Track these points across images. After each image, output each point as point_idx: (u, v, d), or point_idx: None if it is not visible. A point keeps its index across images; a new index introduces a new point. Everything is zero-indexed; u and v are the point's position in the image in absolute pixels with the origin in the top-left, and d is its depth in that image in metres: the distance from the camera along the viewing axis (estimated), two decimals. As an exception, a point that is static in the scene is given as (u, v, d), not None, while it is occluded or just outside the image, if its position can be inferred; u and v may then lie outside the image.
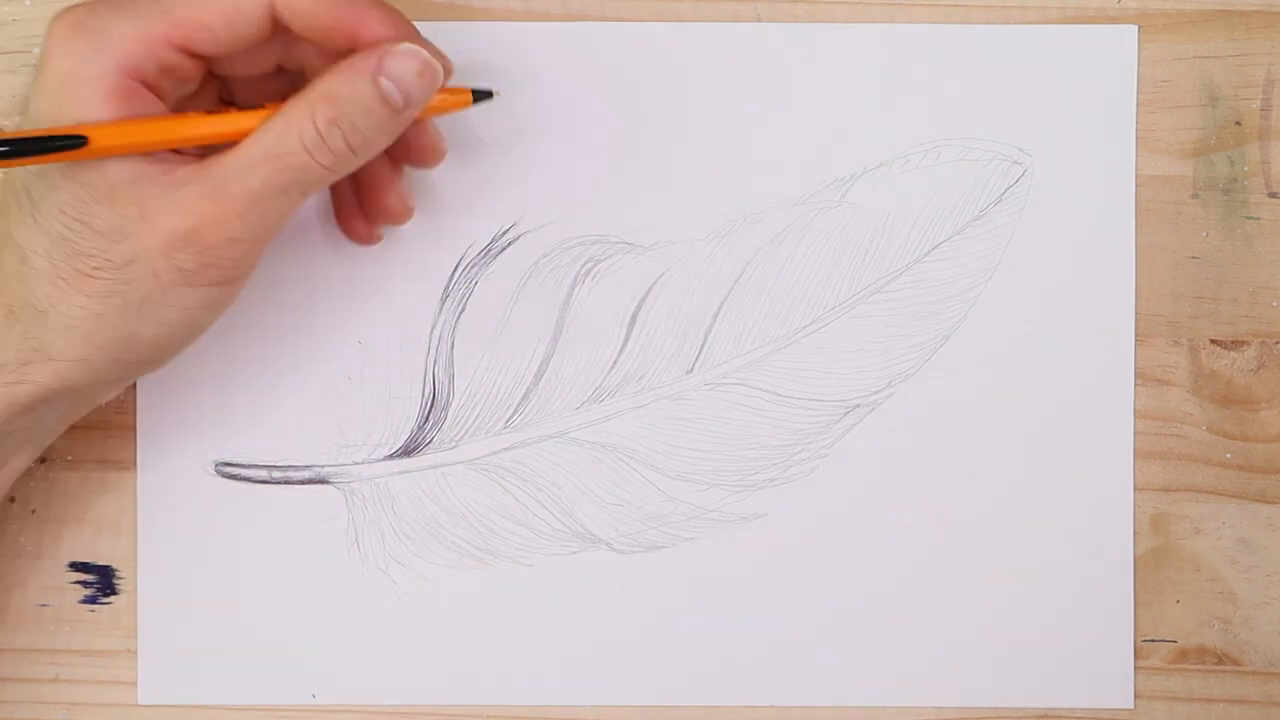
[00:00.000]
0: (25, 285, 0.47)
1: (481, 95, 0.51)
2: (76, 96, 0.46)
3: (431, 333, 0.55)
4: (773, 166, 0.55)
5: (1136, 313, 0.56)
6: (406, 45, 0.47)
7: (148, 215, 0.46)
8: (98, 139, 0.45)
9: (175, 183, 0.46)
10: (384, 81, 0.46)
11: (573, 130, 0.55)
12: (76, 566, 0.56)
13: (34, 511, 0.55)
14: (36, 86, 0.47)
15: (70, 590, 0.56)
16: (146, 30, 0.46)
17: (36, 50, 0.55)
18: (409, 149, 0.51)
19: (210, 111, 0.48)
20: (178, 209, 0.46)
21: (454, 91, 0.50)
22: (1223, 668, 0.56)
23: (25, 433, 0.50)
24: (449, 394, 0.55)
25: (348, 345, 0.55)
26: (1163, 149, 0.56)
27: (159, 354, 0.49)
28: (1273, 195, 0.56)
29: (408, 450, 0.55)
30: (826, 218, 0.56)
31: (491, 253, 0.55)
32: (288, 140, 0.46)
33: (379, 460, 0.55)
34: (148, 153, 0.46)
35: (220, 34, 0.47)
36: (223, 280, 0.47)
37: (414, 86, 0.47)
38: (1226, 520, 0.56)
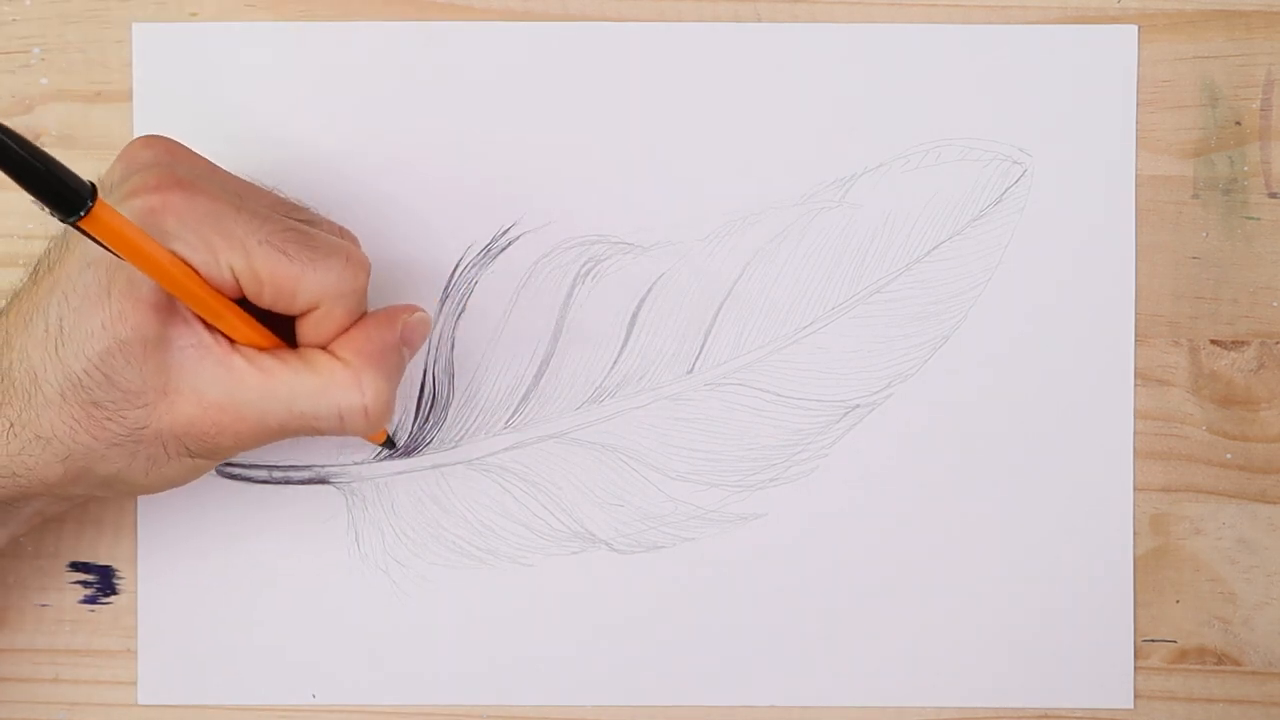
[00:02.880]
0: (32, 408, 0.46)
1: (389, 443, 0.55)
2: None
3: (432, 332, 0.55)
4: (773, 166, 0.55)
5: (1136, 313, 0.56)
6: (421, 314, 0.50)
7: (169, 393, 0.46)
8: (103, 213, 0.41)
9: (201, 376, 0.46)
10: (404, 351, 0.49)
11: (573, 130, 0.55)
12: (76, 566, 0.56)
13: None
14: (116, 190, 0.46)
15: (70, 590, 0.56)
16: (224, 249, 0.45)
17: (37, 50, 0.55)
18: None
19: (231, 303, 0.47)
20: (198, 402, 0.46)
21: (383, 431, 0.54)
22: (1223, 668, 0.56)
23: (1, 519, 0.50)
24: (449, 394, 0.55)
25: (348, 345, 0.55)
26: (1163, 149, 0.56)
27: (146, 494, 0.51)
28: (1273, 195, 0.56)
29: (408, 450, 0.55)
30: (826, 218, 0.56)
31: (491, 253, 0.55)
32: (319, 404, 0.47)
33: (379, 460, 0.55)
34: (163, 310, 0.46)
35: (265, 296, 0.47)
36: (222, 459, 0.49)
37: (418, 347, 0.50)
38: (1226, 520, 0.56)
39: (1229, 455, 0.56)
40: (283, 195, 0.50)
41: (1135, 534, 0.56)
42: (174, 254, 0.45)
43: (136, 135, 0.54)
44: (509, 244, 0.55)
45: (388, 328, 0.48)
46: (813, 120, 0.55)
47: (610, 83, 0.55)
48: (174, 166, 0.47)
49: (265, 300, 0.47)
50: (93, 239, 0.42)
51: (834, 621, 0.56)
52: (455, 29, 0.55)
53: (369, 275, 0.48)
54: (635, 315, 0.56)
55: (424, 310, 0.50)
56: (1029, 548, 0.56)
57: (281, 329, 0.48)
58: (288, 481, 0.55)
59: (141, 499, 0.55)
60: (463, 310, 0.55)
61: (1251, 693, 0.56)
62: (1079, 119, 0.56)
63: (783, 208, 0.56)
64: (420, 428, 0.55)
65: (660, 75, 0.55)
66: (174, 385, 0.46)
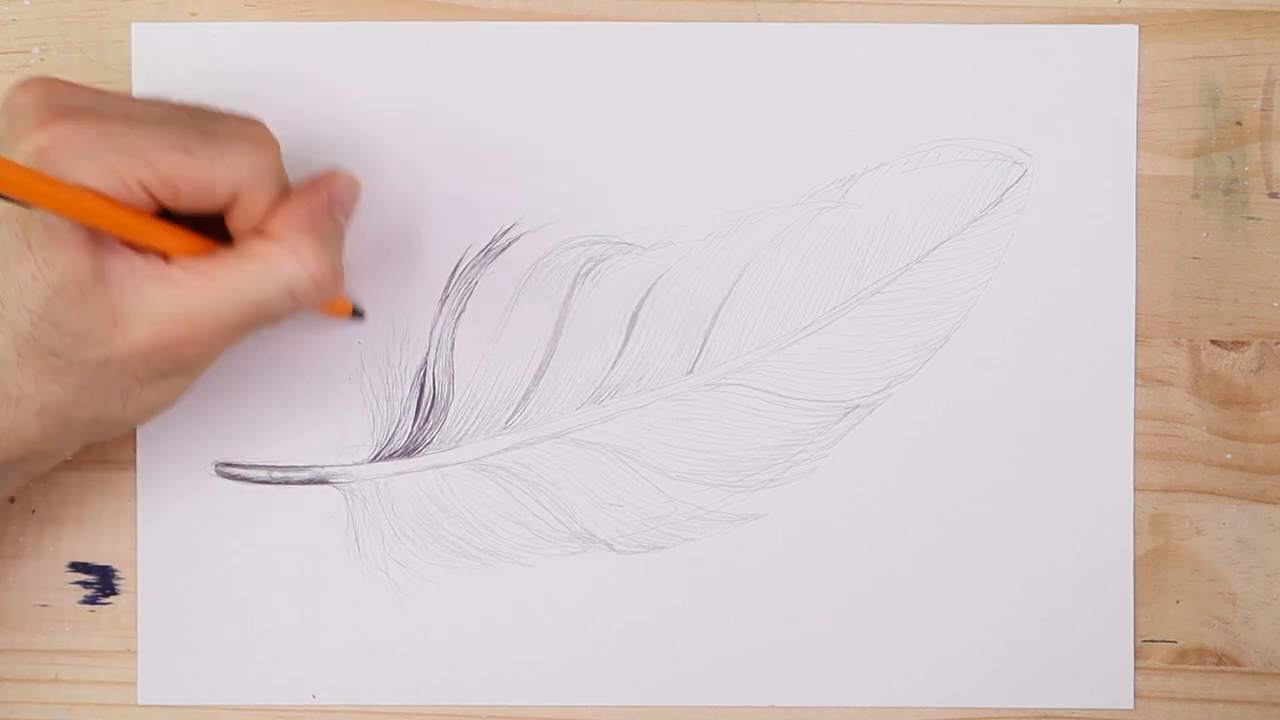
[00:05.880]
0: None
1: (357, 313, 0.55)
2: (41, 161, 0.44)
3: (431, 333, 0.55)
4: (773, 166, 0.55)
5: (1137, 313, 0.56)
6: (340, 171, 0.50)
7: (120, 322, 0.46)
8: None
9: (145, 298, 0.46)
10: (337, 213, 0.49)
11: (573, 130, 0.55)
12: (76, 566, 0.56)
13: (34, 511, 0.56)
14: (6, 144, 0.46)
15: (70, 590, 0.56)
16: (125, 165, 0.45)
17: (37, 50, 0.55)
18: None
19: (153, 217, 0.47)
20: (150, 323, 0.46)
21: (341, 301, 0.54)
22: (1223, 668, 0.56)
23: None
24: (449, 394, 0.55)
25: (348, 346, 0.55)
26: (1163, 149, 0.56)
27: (133, 426, 0.50)
28: (1273, 195, 0.56)
29: (408, 450, 0.55)
30: (826, 218, 0.56)
31: (491, 253, 0.55)
32: (265, 286, 0.47)
33: (379, 460, 0.55)
34: (98, 244, 0.45)
35: (183, 199, 0.46)
36: (198, 371, 0.49)
37: (351, 208, 0.50)
38: (1226, 520, 0.56)
39: (1229, 455, 0.56)
40: (176, 100, 0.49)
41: (1135, 534, 0.56)
42: (78, 186, 0.44)
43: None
44: (509, 244, 0.55)
45: (313, 195, 0.48)
46: (813, 120, 0.55)
47: (610, 83, 0.55)
48: (55, 101, 0.46)
49: (185, 204, 0.46)
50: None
51: (834, 621, 0.56)
52: (455, 29, 0.55)
53: (279, 152, 0.48)
54: (635, 315, 0.56)
55: (348, 171, 0.50)
56: (1029, 548, 0.56)
57: (215, 229, 0.48)
58: (288, 481, 0.55)
59: (141, 499, 0.55)
60: (463, 310, 0.55)
61: (1251, 693, 0.56)
62: (1079, 119, 0.55)
63: (783, 208, 0.56)
64: (420, 428, 0.55)
65: (660, 75, 0.55)
66: (121, 315, 0.46)
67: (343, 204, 0.49)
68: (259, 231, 0.48)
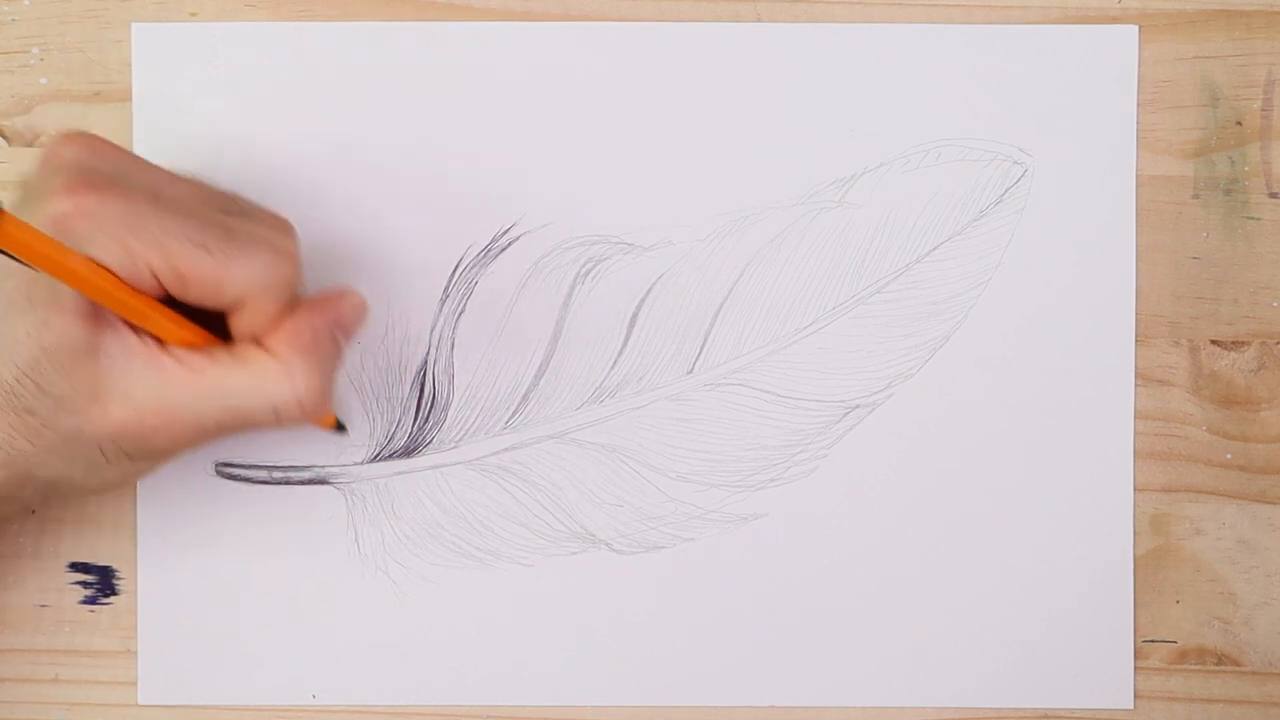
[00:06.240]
0: None
1: (340, 428, 0.55)
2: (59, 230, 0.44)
3: (431, 333, 0.55)
4: (773, 166, 0.55)
5: (1137, 313, 0.56)
6: (354, 298, 0.49)
7: (100, 399, 0.46)
8: (9, 228, 0.41)
9: (131, 380, 0.46)
10: (338, 335, 0.49)
11: (573, 130, 0.55)
12: (76, 566, 0.56)
13: (34, 511, 0.55)
14: (30, 201, 0.45)
15: (70, 590, 0.56)
16: (140, 248, 0.45)
17: (37, 50, 0.55)
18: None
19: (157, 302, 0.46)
20: (130, 406, 0.46)
21: (329, 415, 0.54)
22: (1223, 668, 0.56)
23: None
24: (449, 394, 0.55)
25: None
26: (1163, 149, 0.56)
27: (92, 495, 0.50)
28: (1273, 195, 0.56)
29: (408, 450, 0.55)
30: (826, 218, 0.56)
31: (491, 253, 0.55)
32: (252, 399, 0.46)
33: (379, 460, 0.55)
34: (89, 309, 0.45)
35: (190, 292, 0.46)
36: (165, 461, 0.49)
37: (355, 330, 0.50)
38: (1226, 520, 0.56)
39: (1229, 455, 0.56)
40: (213, 186, 0.49)
41: (1135, 534, 0.56)
42: (90, 259, 0.44)
43: (135, 135, 0.54)
44: (509, 244, 0.55)
45: (319, 315, 0.48)
46: (813, 120, 0.55)
47: (610, 83, 0.55)
48: (89, 167, 0.46)
49: (191, 297, 0.46)
50: (5, 254, 0.42)
51: (834, 621, 0.56)
52: (455, 29, 0.55)
53: (299, 266, 0.47)
54: (635, 315, 0.56)
55: (356, 292, 0.49)
56: (1029, 548, 0.56)
57: (216, 324, 0.48)
58: (288, 481, 0.55)
59: (142, 499, 0.55)
60: (463, 310, 0.55)
61: (1251, 693, 0.56)
62: (1079, 119, 0.55)
63: (783, 208, 0.56)
64: (420, 428, 0.55)
65: (660, 75, 0.55)
66: (104, 390, 0.45)
67: (346, 326, 0.49)
68: (258, 340, 0.47)
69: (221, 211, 0.47)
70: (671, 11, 0.55)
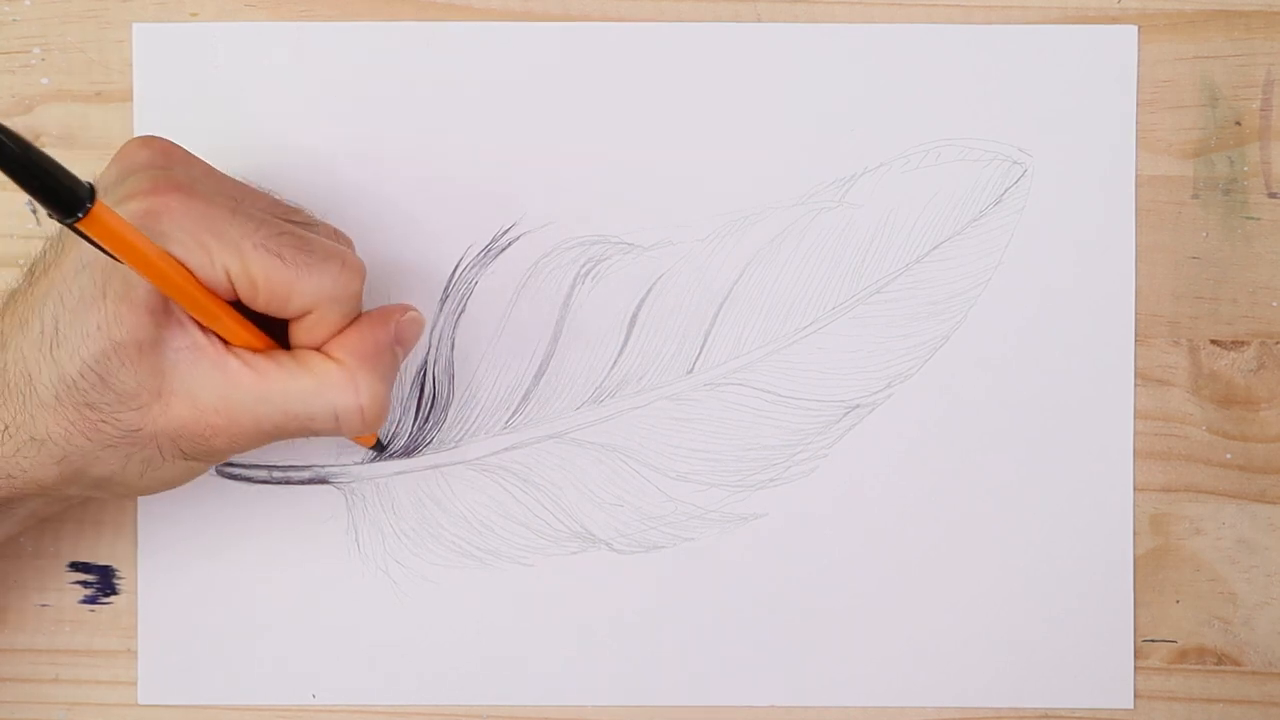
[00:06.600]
0: (27, 410, 0.46)
1: (379, 445, 0.55)
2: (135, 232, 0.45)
3: (431, 333, 0.55)
4: (772, 166, 0.55)
5: (1136, 313, 0.56)
6: (413, 313, 0.50)
7: (164, 395, 0.46)
8: (102, 214, 0.41)
9: (196, 378, 0.46)
10: (398, 350, 0.49)
11: (573, 130, 0.55)
12: (76, 566, 0.56)
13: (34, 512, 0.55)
14: (113, 186, 0.46)
15: (70, 590, 0.56)
16: (219, 250, 0.45)
17: (37, 50, 0.55)
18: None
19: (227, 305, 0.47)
20: (192, 405, 0.46)
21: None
22: (1223, 668, 0.56)
23: None
24: (449, 394, 0.55)
25: (348, 345, 0.55)
26: (1163, 149, 0.56)
27: (139, 495, 0.50)
28: (1273, 195, 0.56)
29: (408, 450, 0.55)
30: (826, 218, 0.56)
31: (491, 253, 0.55)
32: (314, 405, 0.47)
33: (379, 460, 0.55)
34: (159, 313, 0.46)
35: (259, 299, 0.47)
36: (217, 461, 0.49)
37: (412, 346, 0.50)
38: (1226, 520, 0.56)
39: (1229, 455, 0.56)
40: (280, 198, 0.50)
41: (1135, 534, 0.56)
42: (170, 256, 0.45)
43: (136, 135, 0.54)
44: (509, 244, 0.55)
45: (381, 328, 0.48)
46: (813, 120, 0.55)
47: (610, 83, 0.55)
48: (171, 169, 0.46)
49: (260, 303, 0.47)
50: (90, 240, 0.42)
51: (834, 621, 0.56)
52: (455, 29, 0.55)
53: (364, 280, 0.48)
54: (635, 315, 0.56)
55: (416, 309, 0.50)
56: (1029, 548, 0.56)
57: (276, 331, 0.48)
58: (288, 481, 0.55)
59: (142, 499, 0.55)
60: (463, 310, 0.55)
61: (1251, 693, 0.56)
62: (1079, 119, 0.56)
63: (783, 208, 0.56)
64: (420, 428, 0.55)
65: (660, 75, 0.55)
66: (169, 388, 0.46)
67: (405, 341, 0.50)
68: (320, 349, 0.48)
69: (293, 223, 0.48)
70: (671, 11, 0.56)
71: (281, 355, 0.47)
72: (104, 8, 0.55)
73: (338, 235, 0.51)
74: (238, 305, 0.47)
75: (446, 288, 0.55)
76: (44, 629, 0.56)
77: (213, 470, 0.55)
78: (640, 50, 0.55)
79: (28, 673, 0.56)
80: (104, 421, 0.46)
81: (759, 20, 0.55)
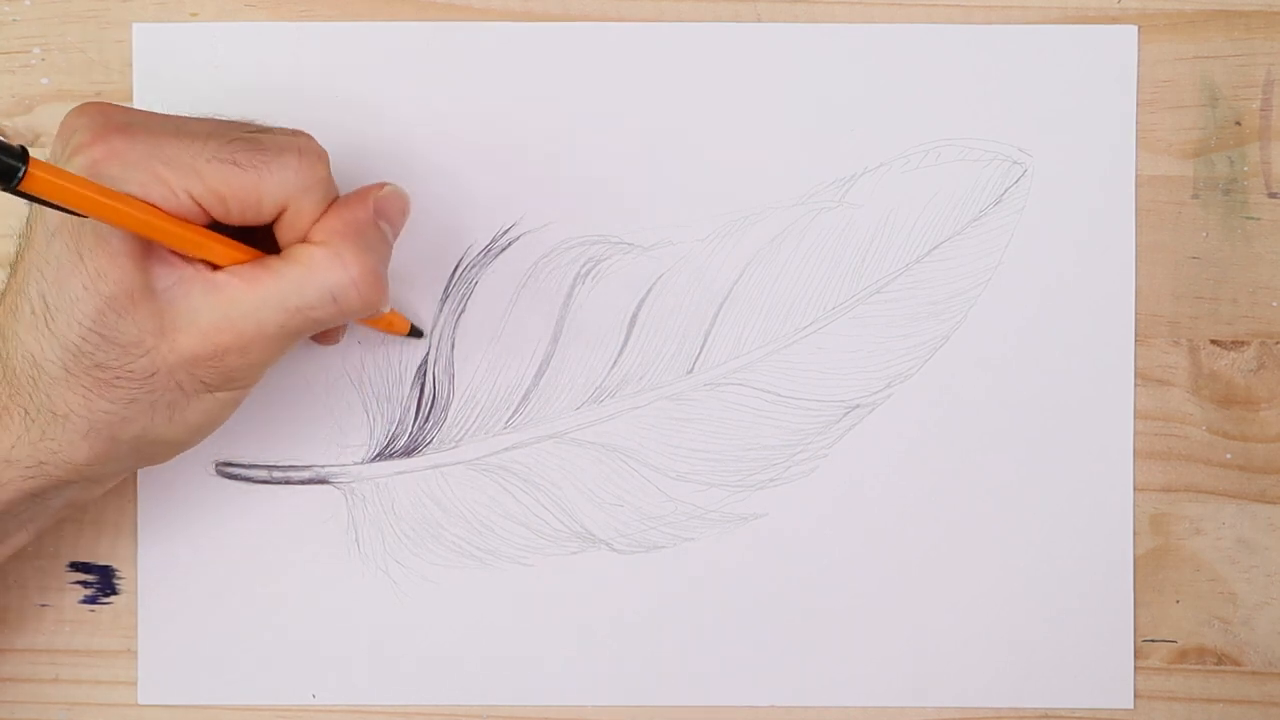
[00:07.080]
0: (41, 391, 0.46)
1: (415, 332, 0.55)
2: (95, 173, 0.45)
3: (431, 333, 0.55)
4: (773, 167, 0.55)
5: (1136, 313, 0.56)
6: (391, 187, 0.50)
7: (166, 332, 0.46)
8: (40, 171, 0.41)
9: (191, 306, 0.46)
10: (383, 224, 0.49)
11: (572, 130, 0.55)
12: (76, 566, 0.56)
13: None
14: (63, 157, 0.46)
15: (70, 590, 0.56)
16: (175, 176, 0.45)
17: (37, 50, 0.55)
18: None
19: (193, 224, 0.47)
20: (196, 332, 0.46)
21: (398, 318, 0.54)
22: (1223, 668, 0.56)
23: (30, 514, 0.50)
24: (449, 394, 0.55)
25: (348, 345, 0.55)
26: (1163, 149, 0.56)
27: (177, 450, 0.50)
28: (1273, 195, 0.56)
29: (408, 450, 0.55)
30: (826, 218, 0.56)
31: (491, 253, 0.55)
32: (308, 292, 0.47)
33: (379, 460, 0.55)
34: (143, 253, 0.46)
35: (232, 212, 0.47)
36: (244, 386, 0.49)
37: (398, 221, 0.50)
38: (1226, 520, 0.56)
39: (1229, 455, 0.56)
40: (222, 118, 0.50)
41: (1135, 534, 0.56)
42: (132, 196, 0.45)
43: None
44: (509, 244, 0.55)
45: (360, 205, 0.48)
46: (813, 120, 0.55)
47: (610, 83, 0.55)
48: (107, 119, 0.46)
49: (234, 216, 0.46)
50: (47, 203, 0.42)
51: (834, 621, 0.56)
52: (455, 29, 0.55)
53: (328, 163, 0.48)
54: (635, 315, 0.56)
55: (395, 184, 0.50)
56: (1029, 548, 0.56)
57: (266, 246, 0.48)
58: (288, 481, 0.55)
59: (142, 499, 0.55)
60: (463, 310, 0.55)
61: (1251, 693, 0.56)
62: (1079, 119, 0.56)
63: (783, 208, 0.56)
64: (420, 428, 0.55)
65: (660, 75, 0.55)
66: (169, 324, 0.46)
67: (388, 214, 0.49)
68: (305, 239, 0.48)
69: (240, 132, 0.48)
70: (671, 11, 0.56)
71: (268, 258, 0.47)
72: (104, 8, 0.55)
73: (292, 132, 0.49)
74: (217, 227, 0.47)
75: (447, 288, 0.55)
76: (44, 629, 0.56)
77: (213, 470, 0.55)
78: (640, 50, 0.55)
79: (28, 673, 0.56)
80: (118, 377, 0.46)
81: (759, 20, 0.55)
